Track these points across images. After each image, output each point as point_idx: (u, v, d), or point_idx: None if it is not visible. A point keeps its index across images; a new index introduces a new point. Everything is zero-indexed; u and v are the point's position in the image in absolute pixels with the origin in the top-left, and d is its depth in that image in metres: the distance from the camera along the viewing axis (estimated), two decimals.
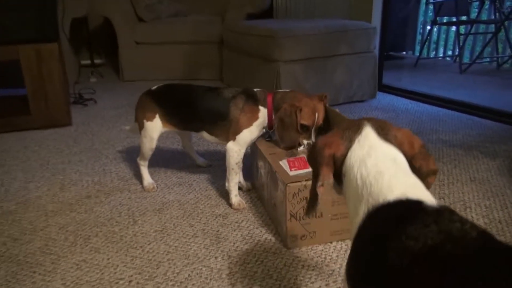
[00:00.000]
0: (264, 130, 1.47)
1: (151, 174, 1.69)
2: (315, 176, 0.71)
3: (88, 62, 4.23)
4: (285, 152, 1.40)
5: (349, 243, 1.25)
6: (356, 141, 0.66)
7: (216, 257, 1.21)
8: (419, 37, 5.04)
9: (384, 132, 0.66)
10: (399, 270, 0.47)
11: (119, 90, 3.35)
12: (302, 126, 1.37)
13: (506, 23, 3.77)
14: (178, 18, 3.69)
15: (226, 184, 1.49)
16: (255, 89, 1.46)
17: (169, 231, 1.36)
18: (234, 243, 1.28)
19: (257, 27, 2.73)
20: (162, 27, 3.53)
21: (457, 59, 4.28)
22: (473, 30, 4.36)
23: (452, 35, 4.83)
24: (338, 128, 0.70)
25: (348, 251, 0.61)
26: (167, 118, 1.52)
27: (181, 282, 1.11)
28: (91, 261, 1.21)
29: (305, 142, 1.40)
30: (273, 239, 1.29)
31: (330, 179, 0.69)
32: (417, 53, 5.02)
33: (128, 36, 3.50)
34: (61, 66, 2.36)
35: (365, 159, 0.63)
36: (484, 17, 4.31)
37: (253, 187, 1.61)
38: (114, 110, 2.75)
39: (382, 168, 0.61)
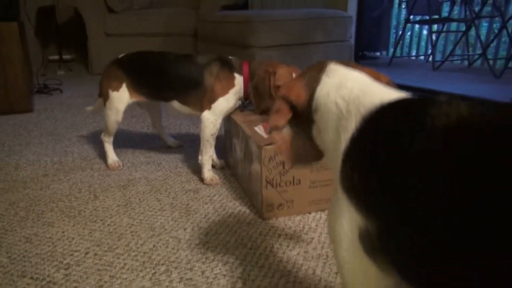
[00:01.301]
0: (239, 102, 1.39)
1: (118, 154, 1.57)
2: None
3: (56, 57, 4.04)
4: (260, 119, 1.31)
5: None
6: (324, 76, 0.62)
7: (185, 229, 1.11)
8: (393, 39, 5.10)
9: (350, 66, 0.63)
10: (433, 152, 0.42)
11: (87, 82, 3.20)
12: (278, 88, 1.29)
13: (476, 21, 3.85)
14: (151, 9, 3.59)
15: (199, 158, 1.40)
16: (230, 57, 1.37)
17: (133, 205, 1.24)
18: (205, 216, 1.17)
19: (233, 14, 2.65)
20: (134, 19, 3.41)
21: (430, 58, 4.33)
22: (444, 29, 4.44)
23: (424, 37, 4.92)
24: (298, 75, 0.67)
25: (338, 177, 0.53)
26: (135, 87, 1.42)
27: (144, 253, 1.00)
28: (43, 235, 1.08)
29: None
30: (247, 211, 1.19)
31: (280, 123, 0.64)
32: (390, 54, 5.07)
33: (98, 28, 3.37)
34: (23, 50, 2.21)
35: (341, 83, 0.60)
36: (455, 16, 4.40)
37: (226, 165, 1.52)
38: (81, 99, 2.61)
39: (365, 84, 0.58)
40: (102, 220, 1.15)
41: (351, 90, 0.57)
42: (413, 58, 5.02)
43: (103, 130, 1.53)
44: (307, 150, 0.67)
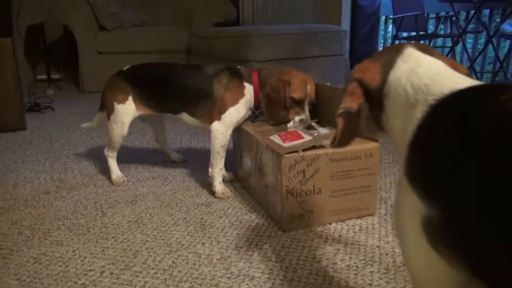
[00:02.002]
0: (250, 112, 1.36)
1: (121, 170, 1.51)
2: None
3: (44, 77, 3.96)
4: (274, 129, 1.28)
5: (350, 223, 1.13)
6: (399, 60, 0.61)
7: (203, 243, 1.05)
8: None
9: (428, 52, 0.61)
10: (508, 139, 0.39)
11: (79, 100, 3.13)
12: (293, 100, 1.27)
13: (463, 36, 3.94)
14: (142, 27, 3.57)
15: (210, 170, 1.35)
16: (238, 66, 1.35)
17: (145, 221, 1.18)
18: (222, 230, 1.12)
19: (229, 30, 2.65)
20: (126, 36, 3.38)
21: None
22: (431, 45, 4.54)
23: None
24: (374, 55, 0.65)
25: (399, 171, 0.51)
26: (142, 100, 1.38)
27: (164, 270, 0.93)
28: (52, 254, 1.01)
29: (297, 118, 1.29)
30: (265, 223, 1.15)
31: (352, 106, 0.63)
32: None
33: (90, 45, 3.32)
34: (15, 65, 2.14)
35: (414, 69, 0.58)
36: (440, 32, 4.52)
37: (235, 178, 1.48)
38: (74, 117, 2.54)
39: (437, 71, 0.56)
40: (113, 237, 1.09)
41: (421, 77, 0.55)
42: None
43: (107, 144, 1.47)
44: (354, 132, 0.65)
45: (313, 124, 1.28)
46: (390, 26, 5.29)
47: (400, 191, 0.53)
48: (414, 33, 4.26)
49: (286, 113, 1.29)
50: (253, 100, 1.32)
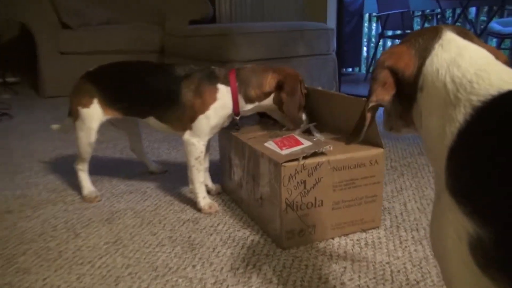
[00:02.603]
0: (228, 119, 1.30)
1: (93, 184, 1.43)
2: (368, 96, 0.60)
3: None
4: (267, 134, 1.25)
5: (354, 237, 1.10)
6: (437, 46, 0.56)
7: (193, 266, 1.00)
8: (364, 55, 5.25)
9: (469, 37, 0.57)
10: None
11: (39, 106, 3.01)
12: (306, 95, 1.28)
13: None
14: (110, 25, 3.47)
15: (190, 186, 1.31)
16: (213, 67, 1.30)
17: (125, 242, 1.11)
18: (213, 249, 1.07)
19: (208, 27, 2.61)
20: (92, 35, 3.28)
21: None
22: None
23: None
24: (405, 38, 0.60)
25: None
26: (109, 102, 1.33)
27: None
28: (19, 284, 0.93)
29: (304, 117, 1.30)
30: (261, 240, 1.11)
31: (384, 99, 0.59)
32: (363, 71, 5.21)
33: (51, 45, 3.21)
34: None
35: (455, 60, 0.54)
36: None
37: (224, 190, 1.44)
38: (34, 125, 2.43)
39: (483, 64, 0.52)
40: (90, 261, 1.02)
41: (465, 71, 0.51)
42: None
43: (77, 157, 1.40)
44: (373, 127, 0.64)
45: (311, 128, 1.25)
46: (374, 24, 5.38)
47: (440, 206, 0.49)
48: (399, 32, 4.35)
49: (301, 112, 1.27)
50: (231, 104, 1.25)
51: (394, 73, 0.58)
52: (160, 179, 1.57)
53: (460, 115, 0.48)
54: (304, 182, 1.04)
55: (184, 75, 1.26)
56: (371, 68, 4.88)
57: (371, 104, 0.60)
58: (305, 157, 1.03)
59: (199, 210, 1.29)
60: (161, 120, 1.30)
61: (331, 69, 2.73)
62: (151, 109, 1.30)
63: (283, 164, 1.01)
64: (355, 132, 0.65)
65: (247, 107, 1.27)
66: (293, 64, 2.54)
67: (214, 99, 1.23)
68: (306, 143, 1.13)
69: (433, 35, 0.57)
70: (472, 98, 0.48)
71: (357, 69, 5.34)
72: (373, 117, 0.63)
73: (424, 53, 0.56)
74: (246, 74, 1.26)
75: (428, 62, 0.56)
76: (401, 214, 1.24)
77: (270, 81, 1.25)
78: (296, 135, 1.21)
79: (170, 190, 1.46)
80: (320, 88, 1.34)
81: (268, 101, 1.26)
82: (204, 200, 1.29)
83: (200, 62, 2.59)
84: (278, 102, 1.25)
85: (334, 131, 1.23)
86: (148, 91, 1.28)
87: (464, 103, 0.49)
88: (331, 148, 1.07)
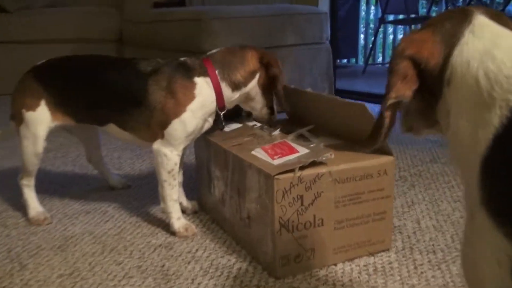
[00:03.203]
0: (209, 122, 1.29)
1: (41, 203, 1.42)
2: (386, 92, 0.62)
3: None
4: (254, 140, 1.25)
5: (360, 263, 1.11)
6: (467, 33, 0.56)
7: None
8: (362, 43, 5.33)
9: (504, 21, 0.58)
10: None
11: None
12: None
13: None
14: (57, 9, 3.44)
15: (162, 205, 1.30)
16: (183, 58, 1.29)
17: (83, 273, 1.10)
18: (192, 280, 1.06)
19: (175, 11, 2.60)
20: (34, 20, 3.26)
21: None
22: None
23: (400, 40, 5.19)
24: (429, 22, 0.61)
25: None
26: (59, 105, 1.32)
27: None
28: None
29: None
30: (250, 268, 1.10)
31: (406, 95, 0.60)
32: (361, 63, 5.29)
33: None
34: None
35: (490, 51, 0.54)
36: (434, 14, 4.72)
37: (202, 208, 1.44)
38: None
39: None
40: None
41: (501, 65, 0.52)
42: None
43: (21, 169, 1.37)
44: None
45: (305, 133, 1.26)
46: (373, 8, 5.47)
47: (474, 226, 0.50)
48: (402, 16, 4.43)
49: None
50: (213, 98, 1.25)
51: (416, 63, 0.58)
52: (124, 195, 1.56)
53: (496, 118, 0.49)
54: (301, 197, 1.04)
55: (151, 71, 1.25)
56: (370, 59, 4.96)
57: (390, 101, 0.60)
58: (301, 168, 1.03)
59: (173, 233, 1.28)
60: (124, 127, 1.29)
61: (324, 61, 2.76)
62: (111, 114, 1.29)
63: (276, 176, 1.01)
64: (372, 135, 0.66)
65: (233, 96, 1.28)
66: (280, 55, 2.55)
67: (191, 98, 1.22)
68: (302, 150, 1.14)
69: (462, 18, 0.57)
70: (509, 98, 0.49)
71: (353, 60, 5.42)
72: (393, 116, 0.63)
73: (451, 41, 0.57)
74: (224, 56, 1.27)
75: (456, 51, 0.56)
76: (414, 233, 1.26)
77: (251, 58, 1.28)
78: (289, 140, 1.22)
79: (137, 209, 1.45)
80: (309, 89, 1.36)
81: (252, 84, 1.29)
82: (178, 221, 1.28)
83: (167, 54, 2.57)
84: (263, 83, 1.29)
85: (332, 136, 1.23)
86: (108, 92, 1.28)
87: (500, 103, 0.49)
88: (332, 156, 1.08)
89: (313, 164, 1.05)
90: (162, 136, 1.24)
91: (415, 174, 1.69)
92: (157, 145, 1.25)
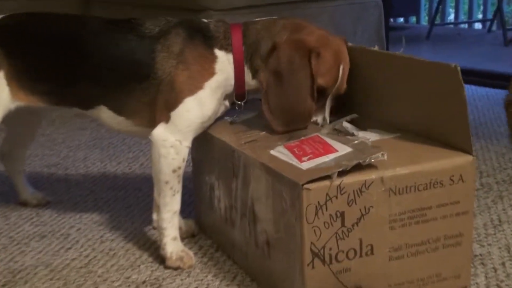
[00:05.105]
0: (226, 105, 1.36)
1: None
2: None
3: None
4: (276, 137, 1.27)
5: None
6: None
7: None
8: None
9: None
10: None
11: None
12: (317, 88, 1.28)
13: None
14: None
15: (154, 217, 1.33)
16: (204, 20, 1.36)
17: None
18: None
19: None
20: None
21: (494, 27, 4.54)
22: None
23: None
24: None
25: None
26: (25, 80, 1.36)
27: None
28: None
29: (317, 118, 1.33)
30: None
31: None
32: (424, 22, 5.27)
33: None
34: None
35: None
36: None
37: (201, 229, 1.48)
38: None
39: None
40: None
41: None
42: (464, 26, 5.24)
43: None
44: None
45: (345, 124, 1.27)
46: None
47: None
48: None
49: (311, 106, 1.29)
50: (233, 81, 1.31)
51: None
52: (93, 212, 1.59)
53: None
54: (342, 215, 1.05)
55: (159, 32, 1.31)
56: (438, 18, 4.93)
57: None
58: (341, 173, 1.04)
59: (162, 260, 1.31)
60: (120, 110, 1.35)
61: (373, 21, 2.77)
62: (102, 93, 1.35)
63: (306, 185, 1.02)
64: None
65: (253, 84, 1.32)
66: (309, 13, 2.56)
67: (210, 73, 1.29)
68: (341, 149, 1.14)
69: None
70: None
71: (413, 19, 5.40)
72: None
73: None
74: (259, 35, 1.31)
75: None
76: (503, 264, 1.26)
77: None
78: (323, 135, 1.22)
79: (110, 231, 1.49)
80: (376, 48, 1.37)
81: None
82: (174, 243, 1.31)
83: (154, 12, 2.60)
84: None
85: (387, 127, 1.24)
86: (98, 62, 1.33)
87: None
88: (385, 157, 1.07)
89: (359, 167, 1.05)
90: (166, 120, 1.28)
91: (503, 180, 1.69)
92: (160, 130, 1.28)
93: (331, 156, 1.11)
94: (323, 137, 1.21)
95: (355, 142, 1.18)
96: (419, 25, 5.33)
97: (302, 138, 1.22)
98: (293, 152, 1.15)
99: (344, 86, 1.33)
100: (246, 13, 2.44)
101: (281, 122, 1.28)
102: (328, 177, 1.03)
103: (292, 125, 1.28)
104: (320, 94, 1.29)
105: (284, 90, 1.27)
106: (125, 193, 1.69)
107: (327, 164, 1.08)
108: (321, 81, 1.27)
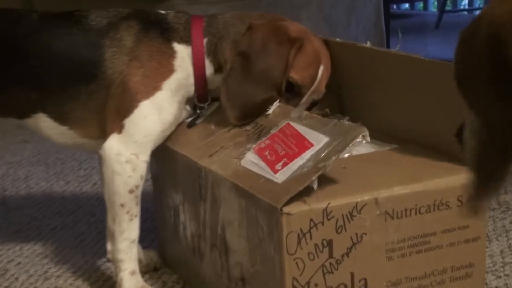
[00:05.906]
0: (186, 110, 1.38)
1: None
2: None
3: None
4: (243, 137, 1.27)
5: None
6: None
7: None
8: None
9: None
10: None
11: None
12: (290, 83, 1.31)
13: None
14: None
15: (109, 248, 1.32)
16: (161, 11, 1.39)
17: None
18: None
19: None
20: None
21: None
22: None
23: None
24: None
25: None
26: None
27: None
28: None
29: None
30: None
31: None
32: (432, 9, 5.31)
33: None
34: None
35: None
36: None
37: (164, 262, 1.49)
38: None
39: None
40: None
41: None
42: (479, 12, 5.30)
43: None
44: None
45: None
46: None
47: None
48: None
49: (272, 97, 1.30)
50: (193, 79, 1.34)
51: None
52: (36, 242, 1.59)
53: None
54: (330, 244, 1.05)
55: (107, 25, 1.33)
56: (449, 3, 4.98)
57: None
58: (327, 195, 1.04)
59: None
60: (62, 119, 1.35)
61: (370, 9, 2.79)
62: (40, 99, 1.35)
63: (285, 208, 1.01)
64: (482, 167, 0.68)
65: (214, 81, 1.34)
66: (298, 3, 2.57)
67: (169, 70, 1.32)
68: (317, 140, 1.13)
69: None
70: None
71: (420, 5, 5.44)
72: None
73: None
74: (222, 27, 1.34)
75: None
76: None
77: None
78: (295, 121, 1.22)
79: (56, 265, 1.49)
80: (368, 44, 1.40)
81: None
82: (132, 278, 1.32)
83: (111, 4, 2.60)
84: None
85: (383, 136, 1.25)
86: (35, 62, 1.34)
87: None
88: (368, 139, 1.07)
89: (349, 187, 1.05)
90: (119, 130, 1.28)
91: None
92: (112, 143, 1.29)
93: (307, 154, 1.11)
94: (294, 125, 1.21)
95: (330, 124, 1.16)
96: (427, 12, 5.36)
97: (272, 132, 1.22)
98: (265, 159, 1.15)
99: (323, 90, 1.35)
100: (218, 2, 2.46)
101: (237, 112, 1.29)
102: (310, 188, 1.03)
103: (249, 118, 1.30)
104: (293, 92, 1.31)
105: (249, 75, 1.29)
106: (74, 219, 1.69)
107: (304, 168, 1.08)
108: (295, 75, 1.29)
